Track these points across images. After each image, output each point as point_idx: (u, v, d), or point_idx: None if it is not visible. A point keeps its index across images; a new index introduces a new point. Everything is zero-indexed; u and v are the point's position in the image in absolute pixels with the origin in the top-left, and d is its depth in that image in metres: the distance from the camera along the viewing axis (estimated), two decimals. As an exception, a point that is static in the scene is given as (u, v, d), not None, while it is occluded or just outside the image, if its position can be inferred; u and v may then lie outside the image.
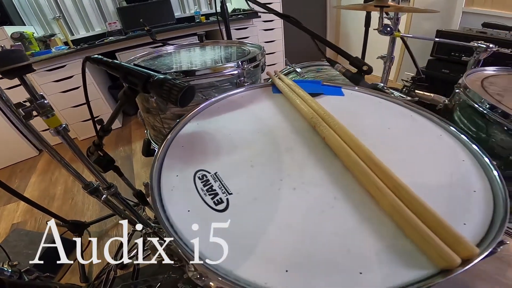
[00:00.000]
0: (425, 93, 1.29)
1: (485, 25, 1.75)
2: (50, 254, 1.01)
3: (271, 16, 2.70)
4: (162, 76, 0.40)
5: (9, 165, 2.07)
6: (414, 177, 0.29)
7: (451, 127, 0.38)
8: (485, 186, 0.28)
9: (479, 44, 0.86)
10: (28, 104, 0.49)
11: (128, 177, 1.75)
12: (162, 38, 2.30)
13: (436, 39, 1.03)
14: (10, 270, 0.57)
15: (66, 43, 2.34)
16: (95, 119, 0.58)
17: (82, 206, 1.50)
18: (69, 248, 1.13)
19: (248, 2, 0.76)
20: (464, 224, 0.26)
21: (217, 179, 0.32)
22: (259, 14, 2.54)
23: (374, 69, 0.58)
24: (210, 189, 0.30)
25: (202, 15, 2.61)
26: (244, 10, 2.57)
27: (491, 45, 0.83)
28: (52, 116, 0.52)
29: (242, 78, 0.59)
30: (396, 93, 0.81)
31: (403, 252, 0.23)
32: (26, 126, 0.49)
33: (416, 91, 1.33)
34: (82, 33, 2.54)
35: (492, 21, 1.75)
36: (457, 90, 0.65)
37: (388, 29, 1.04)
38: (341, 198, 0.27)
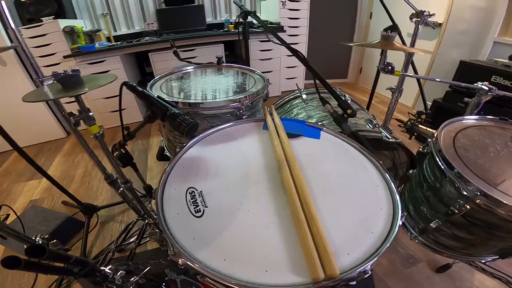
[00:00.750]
0: (427, 128, 1.34)
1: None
2: (58, 233, 1.18)
3: (297, 31, 2.80)
4: (177, 112, 0.54)
5: (39, 143, 2.29)
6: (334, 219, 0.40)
7: (390, 181, 0.48)
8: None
9: (481, 86, 0.87)
10: (77, 114, 0.64)
11: (142, 169, 1.92)
12: (191, 43, 2.49)
13: (437, 79, 1.08)
14: (41, 242, 0.72)
15: (108, 39, 2.60)
16: (124, 126, 0.73)
17: (96, 190, 1.60)
18: (77, 228, 1.26)
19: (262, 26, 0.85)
20: (372, 233, 0.37)
21: (200, 195, 0.45)
22: (285, 28, 2.65)
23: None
24: (194, 202, 0.44)
25: (232, 23, 2.76)
26: (271, 23, 2.70)
27: (493, 88, 0.84)
28: (93, 125, 0.67)
29: (241, 111, 0.71)
30: (384, 133, 0.89)
31: (296, 261, 0.34)
32: (75, 131, 0.64)
33: (420, 125, 1.38)
34: (124, 30, 2.79)
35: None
36: (429, 140, 0.72)
37: (390, 67, 1.10)
38: (276, 222, 0.39)
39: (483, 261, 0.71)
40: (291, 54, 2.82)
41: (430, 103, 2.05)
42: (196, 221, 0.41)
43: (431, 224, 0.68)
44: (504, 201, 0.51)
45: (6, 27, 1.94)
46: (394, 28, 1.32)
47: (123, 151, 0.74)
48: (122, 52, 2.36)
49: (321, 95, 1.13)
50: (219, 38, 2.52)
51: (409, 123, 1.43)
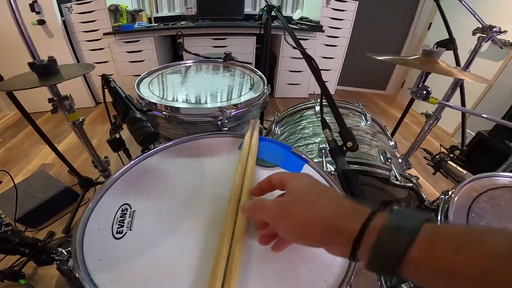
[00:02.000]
0: (458, 167, 1.14)
1: None
2: (52, 203, 1.22)
3: (337, 32, 2.60)
4: (138, 116, 0.49)
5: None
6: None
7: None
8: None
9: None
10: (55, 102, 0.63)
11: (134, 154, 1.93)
12: (223, 32, 2.45)
13: (484, 115, 0.89)
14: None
15: (150, 19, 2.67)
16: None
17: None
18: (72, 199, 1.30)
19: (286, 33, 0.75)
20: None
21: (131, 215, 0.41)
22: (324, 28, 2.47)
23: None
24: (121, 221, 0.40)
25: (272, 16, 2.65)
26: (310, 20, 2.54)
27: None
28: (72, 112, 0.66)
29: (222, 122, 0.61)
30: (394, 171, 0.75)
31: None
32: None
33: (450, 162, 1.18)
34: (165, 12, 2.84)
35: None
36: (441, 196, 0.59)
37: (424, 92, 0.92)
38: (195, 267, 0.34)
39: None
40: (325, 56, 2.61)
41: (474, 134, 1.77)
42: (112, 242, 0.37)
43: (403, 286, 0.57)
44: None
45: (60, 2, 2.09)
46: (450, 42, 1.10)
47: (116, 136, 0.73)
48: (157, 34, 2.41)
49: (336, 109, 1.00)
50: (251, 30, 2.44)
51: (437, 157, 1.24)
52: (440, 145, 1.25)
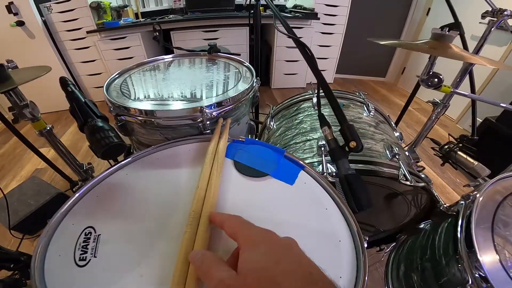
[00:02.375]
0: (468, 158, 1.06)
1: None
2: (45, 209, 1.20)
3: (333, 20, 2.48)
4: (99, 125, 0.41)
5: (59, 110, 2.39)
6: None
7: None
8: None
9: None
10: (15, 111, 0.55)
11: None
12: (214, 24, 2.34)
13: (503, 104, 0.80)
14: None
15: (136, 15, 2.55)
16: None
17: (95, 169, 1.65)
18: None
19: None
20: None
21: (96, 240, 0.35)
22: (319, 16, 2.35)
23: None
24: (84, 247, 0.34)
25: (262, 5, 2.54)
26: (304, 8, 2.41)
27: None
28: (37, 121, 0.58)
29: (203, 124, 0.52)
30: (403, 169, 0.67)
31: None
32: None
33: (459, 152, 1.10)
34: (152, 6, 2.72)
35: None
36: (461, 202, 0.51)
37: (435, 80, 0.83)
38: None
39: None
40: (322, 44, 2.49)
41: (480, 120, 1.68)
42: (74, 270, 0.31)
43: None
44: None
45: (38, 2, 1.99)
46: (456, 26, 1.00)
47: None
48: (145, 29, 2.30)
49: (335, 101, 0.91)
50: (242, 21, 2.32)
51: (446, 147, 1.15)
52: (449, 134, 1.16)
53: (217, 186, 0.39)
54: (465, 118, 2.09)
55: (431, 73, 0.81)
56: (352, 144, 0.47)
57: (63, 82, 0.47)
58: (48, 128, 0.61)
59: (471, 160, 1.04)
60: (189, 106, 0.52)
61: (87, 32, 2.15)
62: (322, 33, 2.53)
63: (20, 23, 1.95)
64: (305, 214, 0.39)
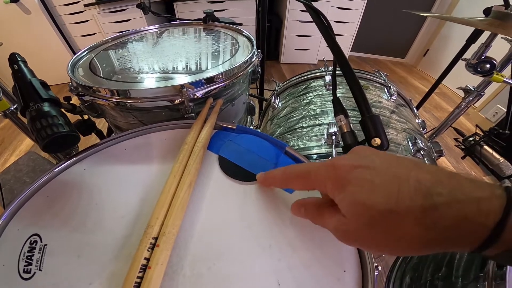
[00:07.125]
0: (494, 153, 0.93)
1: None
2: None
3: (352, -8, 2.22)
4: (45, 110, 0.32)
5: (61, 83, 2.33)
6: None
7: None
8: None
9: None
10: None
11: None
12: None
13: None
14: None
15: (137, -15, 2.37)
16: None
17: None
18: None
19: None
20: None
21: (41, 251, 0.28)
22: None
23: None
24: (29, 258, 0.28)
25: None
26: (321, -23, 2.16)
27: None
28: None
29: (186, 107, 0.42)
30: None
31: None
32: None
33: (485, 147, 0.97)
34: (154, -24, 2.52)
35: None
36: None
37: (487, 66, 0.68)
38: None
39: None
40: (337, 20, 2.28)
41: (504, 110, 1.50)
42: (19, 282, 0.26)
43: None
44: None
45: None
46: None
47: (84, 117, 0.57)
48: (146, 0, 2.14)
49: (357, 84, 0.77)
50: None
51: (471, 140, 1.02)
52: (476, 125, 1.02)
53: (187, 195, 0.29)
54: (489, 107, 1.90)
55: (483, 57, 0.68)
56: (376, 141, 0.36)
57: (11, 59, 0.38)
58: (12, 108, 0.52)
59: (497, 156, 0.92)
60: (166, 85, 0.42)
61: (85, 6, 2.02)
62: (339, 8, 2.29)
63: (14, 0, 1.85)
64: (307, 235, 0.29)
